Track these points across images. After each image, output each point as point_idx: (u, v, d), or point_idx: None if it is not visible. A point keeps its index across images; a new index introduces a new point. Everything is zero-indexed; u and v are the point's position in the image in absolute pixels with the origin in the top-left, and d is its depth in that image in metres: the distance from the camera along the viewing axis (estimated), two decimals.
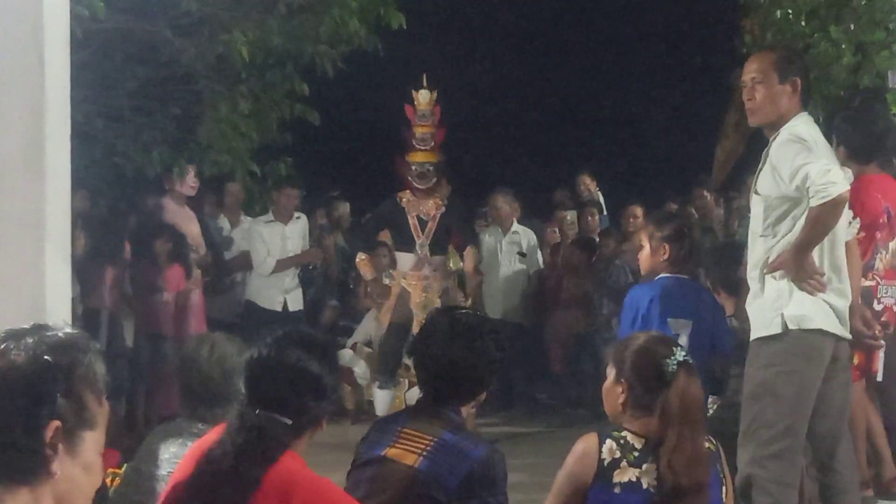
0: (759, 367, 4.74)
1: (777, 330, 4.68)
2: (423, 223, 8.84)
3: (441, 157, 9.09)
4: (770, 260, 4.75)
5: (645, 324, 5.64)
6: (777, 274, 4.73)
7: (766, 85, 4.80)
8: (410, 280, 8.80)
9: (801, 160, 4.56)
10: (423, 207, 8.85)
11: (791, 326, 4.66)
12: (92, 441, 2.16)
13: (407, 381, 9.08)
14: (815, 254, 4.71)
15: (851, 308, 4.89)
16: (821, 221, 4.56)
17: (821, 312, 4.71)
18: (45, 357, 2.11)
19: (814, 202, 4.52)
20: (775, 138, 4.75)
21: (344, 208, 12.01)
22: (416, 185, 8.84)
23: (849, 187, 4.56)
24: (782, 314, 4.68)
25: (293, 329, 3.27)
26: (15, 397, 2.06)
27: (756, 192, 4.84)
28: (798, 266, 4.64)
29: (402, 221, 8.85)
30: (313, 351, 3.15)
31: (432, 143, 8.97)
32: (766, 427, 4.66)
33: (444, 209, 8.86)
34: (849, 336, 4.87)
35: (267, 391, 3.08)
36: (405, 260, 8.88)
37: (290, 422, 3.04)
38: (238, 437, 3.01)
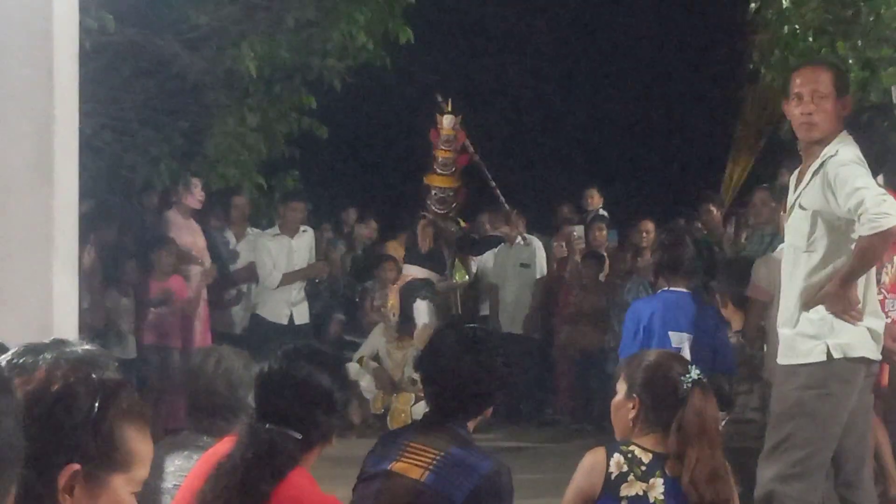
0: (796, 387, 4.71)
1: (821, 358, 4.65)
2: (449, 246, 9.08)
3: (461, 182, 9.09)
4: (811, 281, 4.69)
5: (646, 337, 5.65)
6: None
7: (828, 100, 4.77)
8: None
9: (862, 182, 4.55)
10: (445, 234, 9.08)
11: (836, 356, 4.64)
12: (122, 482, 1.88)
13: (414, 395, 9.07)
14: (860, 280, 4.68)
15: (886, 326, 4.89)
16: (869, 252, 4.55)
17: (862, 339, 4.70)
18: (74, 388, 1.82)
19: (864, 230, 4.49)
20: (832, 156, 4.68)
21: (370, 225, 12.04)
22: (436, 210, 8.89)
23: None
24: (827, 343, 4.64)
25: (304, 343, 3.28)
26: (30, 431, 1.64)
27: (801, 207, 4.77)
28: (843, 298, 4.61)
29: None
30: (323, 365, 3.17)
31: (453, 169, 9.05)
32: (798, 447, 4.67)
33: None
34: (879, 356, 4.88)
35: (277, 405, 3.09)
36: (420, 271, 9.04)
37: (300, 436, 3.04)
38: (248, 451, 3.01)
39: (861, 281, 4.70)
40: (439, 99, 9.21)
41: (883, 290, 5.84)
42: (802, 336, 4.71)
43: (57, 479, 1.78)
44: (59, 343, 2.10)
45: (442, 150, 9.12)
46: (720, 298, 6.37)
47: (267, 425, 3.05)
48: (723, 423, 5.99)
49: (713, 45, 14.28)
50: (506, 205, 10.50)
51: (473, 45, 17.57)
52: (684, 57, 16.80)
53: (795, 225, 4.82)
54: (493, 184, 9.98)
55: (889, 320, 5.78)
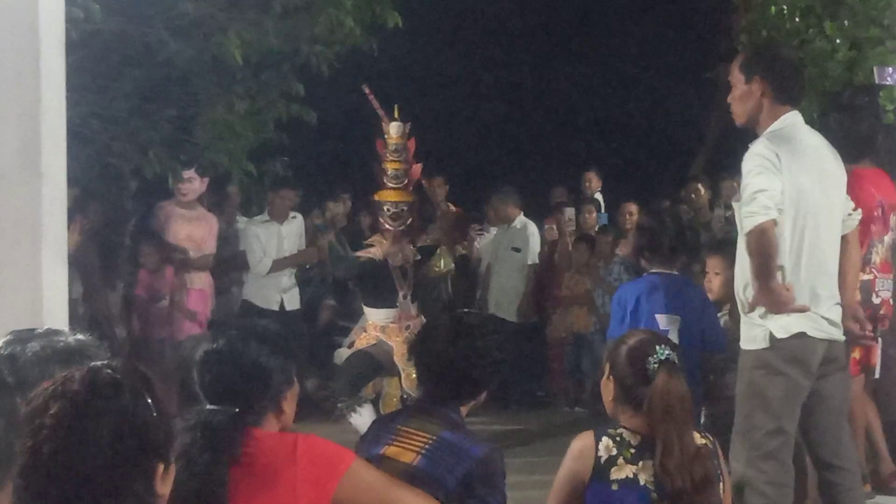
0: (748, 368, 4.76)
1: (765, 344, 4.68)
2: (404, 272, 8.02)
3: (416, 196, 8.27)
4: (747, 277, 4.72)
5: (633, 320, 5.66)
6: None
7: (736, 87, 4.84)
8: (392, 334, 7.92)
9: (746, 180, 4.59)
10: (402, 255, 8.02)
11: (781, 336, 4.65)
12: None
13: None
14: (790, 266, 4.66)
15: (844, 307, 4.88)
16: (751, 252, 4.56)
17: (806, 319, 4.69)
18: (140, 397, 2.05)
19: (742, 233, 4.57)
20: (749, 150, 4.72)
21: (337, 208, 11.98)
22: (389, 227, 8.01)
23: (773, 216, 4.49)
24: (769, 328, 4.66)
25: (231, 323, 3.30)
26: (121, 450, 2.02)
27: (736, 200, 4.83)
28: (767, 294, 4.59)
29: (384, 276, 7.96)
30: (247, 336, 3.15)
31: (406, 181, 8.11)
32: (756, 428, 4.69)
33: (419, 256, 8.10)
34: (842, 338, 4.87)
35: (211, 385, 3.10)
36: (381, 314, 8.02)
37: (236, 409, 3.01)
38: (184, 437, 2.96)
39: (798, 267, 4.67)
40: (367, 90, 8.19)
41: (873, 270, 5.86)
42: (751, 322, 4.74)
43: (154, 477, 2.07)
44: (51, 333, 2.11)
45: (391, 161, 8.11)
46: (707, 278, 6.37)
47: (204, 407, 3.04)
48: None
49: (701, 28, 14.28)
50: (452, 206, 10.46)
51: (463, 29, 17.55)
52: (672, 39, 16.80)
53: (737, 218, 4.85)
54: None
55: (879, 300, 5.82)
